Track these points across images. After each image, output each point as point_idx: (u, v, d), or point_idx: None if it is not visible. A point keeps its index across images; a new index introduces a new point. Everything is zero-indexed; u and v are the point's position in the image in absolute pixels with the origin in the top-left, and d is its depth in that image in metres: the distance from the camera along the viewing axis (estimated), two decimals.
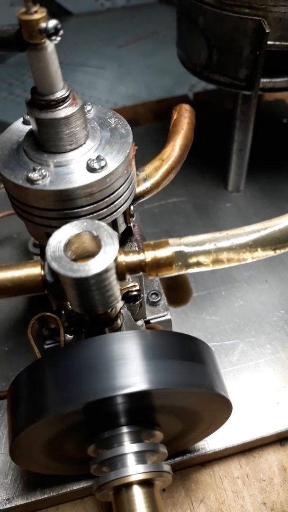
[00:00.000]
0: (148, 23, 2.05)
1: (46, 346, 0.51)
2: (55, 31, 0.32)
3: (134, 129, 0.42)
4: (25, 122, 0.43)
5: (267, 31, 0.56)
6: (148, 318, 0.56)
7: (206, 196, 0.81)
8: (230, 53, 0.61)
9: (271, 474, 0.54)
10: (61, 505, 0.53)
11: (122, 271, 0.36)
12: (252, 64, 0.60)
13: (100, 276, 0.34)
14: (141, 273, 0.38)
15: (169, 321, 0.57)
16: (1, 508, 0.50)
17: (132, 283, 0.42)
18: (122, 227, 0.45)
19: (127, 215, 0.44)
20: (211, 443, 0.53)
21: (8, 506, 0.50)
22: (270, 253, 0.38)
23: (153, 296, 0.59)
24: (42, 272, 0.36)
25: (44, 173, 0.37)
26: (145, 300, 0.56)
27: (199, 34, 0.62)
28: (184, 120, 0.51)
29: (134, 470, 0.38)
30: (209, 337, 0.62)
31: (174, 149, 0.48)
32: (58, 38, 0.33)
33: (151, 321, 0.56)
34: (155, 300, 0.58)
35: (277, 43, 0.58)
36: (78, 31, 1.96)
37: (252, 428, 0.54)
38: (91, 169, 0.37)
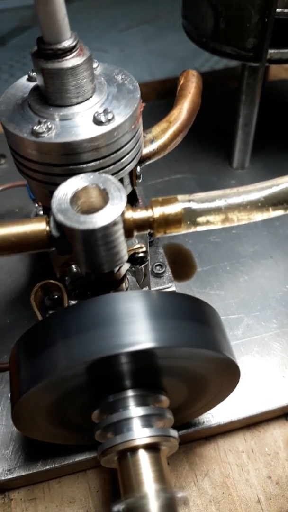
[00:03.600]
0: (150, 8, 2.04)
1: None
2: None
3: None
4: (30, 79, 0.42)
5: None
6: (152, 289, 0.56)
7: (210, 173, 0.79)
8: (238, 22, 0.59)
9: (277, 448, 0.53)
10: (63, 477, 0.52)
11: (130, 227, 0.35)
12: (260, 33, 0.59)
13: (107, 230, 0.33)
14: (148, 231, 0.37)
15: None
16: (3, 478, 0.49)
17: (138, 245, 0.41)
18: (128, 188, 0.44)
19: (133, 176, 0.43)
20: (216, 416, 0.52)
21: (9, 476, 0.49)
22: (280, 212, 0.37)
23: (158, 267, 0.58)
24: (47, 228, 0.35)
25: (50, 126, 0.36)
26: (149, 270, 0.55)
27: (206, 2, 0.61)
28: (191, 84, 0.50)
29: (140, 433, 0.37)
30: None
31: (182, 111, 0.47)
32: None
33: None
34: (160, 272, 0.57)
35: (286, 10, 0.57)
36: (80, 15, 1.95)
37: (258, 401, 0.53)
38: (97, 122, 0.36)
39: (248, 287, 0.64)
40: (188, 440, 0.54)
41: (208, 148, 0.84)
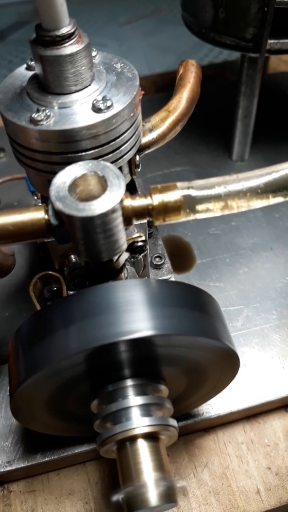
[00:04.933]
0: (150, 2, 2.03)
1: None
2: None
3: None
4: (29, 68, 0.42)
5: None
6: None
7: (210, 165, 0.79)
8: (237, 11, 0.59)
9: (276, 439, 0.53)
10: (62, 469, 0.52)
11: (129, 215, 0.35)
12: (260, 23, 0.58)
13: (106, 217, 0.33)
14: (147, 218, 0.36)
15: None
16: (2, 470, 0.49)
17: (138, 234, 0.41)
18: (127, 178, 0.44)
19: (132, 165, 0.43)
20: (216, 407, 0.52)
21: (8, 468, 0.49)
22: (280, 199, 0.37)
23: (157, 259, 0.58)
24: (46, 217, 0.35)
25: (48, 114, 0.36)
26: (148, 262, 0.55)
27: None
28: (190, 74, 0.49)
29: (139, 422, 0.37)
30: None
31: (181, 101, 0.46)
32: None
33: None
34: (159, 263, 0.57)
35: None
36: (79, 9, 1.94)
37: (257, 393, 0.53)
38: (96, 109, 0.36)
39: (247, 279, 0.64)
40: (188, 431, 0.54)
41: (208, 141, 0.84)
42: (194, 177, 0.74)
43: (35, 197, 0.65)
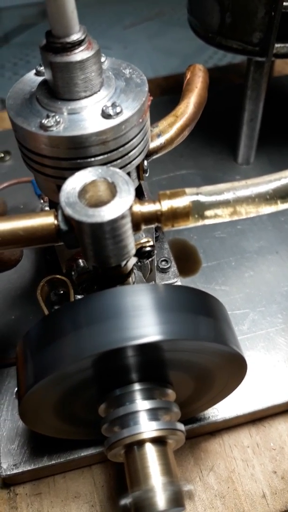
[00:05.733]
0: (154, 5, 2.03)
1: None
2: None
3: None
4: (38, 74, 0.42)
5: None
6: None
7: (215, 168, 0.79)
8: (244, 16, 0.59)
9: (282, 443, 0.53)
10: (68, 472, 0.52)
11: (138, 221, 0.35)
12: (267, 27, 0.58)
13: (115, 223, 0.33)
14: (156, 224, 0.37)
15: None
16: (8, 473, 0.49)
17: (146, 239, 0.41)
18: (135, 183, 0.44)
19: (140, 170, 0.43)
20: (222, 410, 0.52)
21: (15, 471, 0.49)
22: None
23: (163, 263, 0.58)
24: (56, 222, 0.35)
25: (58, 120, 0.36)
26: (155, 266, 0.55)
27: None
28: (198, 79, 0.50)
29: (147, 427, 0.38)
30: None
31: (189, 106, 0.47)
32: None
33: None
34: (165, 267, 0.57)
35: None
36: (84, 12, 1.94)
37: (263, 396, 0.53)
38: (106, 116, 0.36)
39: (253, 282, 0.64)
40: (194, 435, 0.54)
41: (213, 144, 0.84)
42: (199, 180, 0.75)
43: (42, 201, 0.65)
